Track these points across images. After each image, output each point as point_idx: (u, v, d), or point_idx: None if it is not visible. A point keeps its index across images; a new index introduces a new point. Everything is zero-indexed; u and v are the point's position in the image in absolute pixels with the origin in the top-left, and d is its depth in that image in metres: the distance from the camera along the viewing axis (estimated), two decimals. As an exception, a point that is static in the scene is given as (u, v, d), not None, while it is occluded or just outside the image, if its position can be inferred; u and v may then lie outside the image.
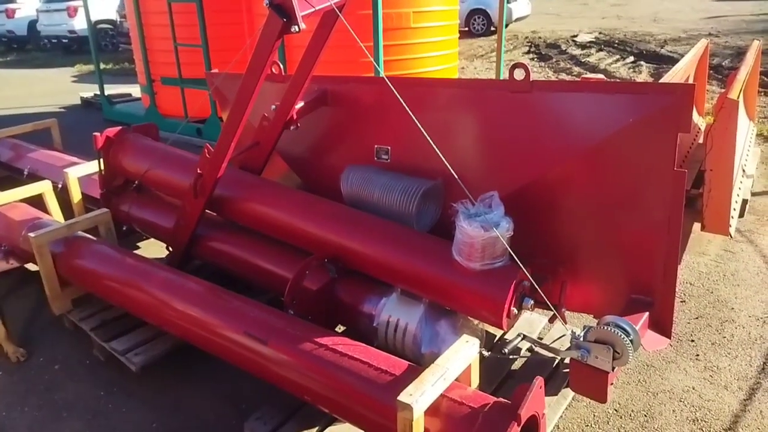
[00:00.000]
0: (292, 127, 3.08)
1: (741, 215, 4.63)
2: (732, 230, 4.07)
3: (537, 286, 2.32)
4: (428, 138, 2.38)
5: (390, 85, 2.46)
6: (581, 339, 2.22)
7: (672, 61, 11.81)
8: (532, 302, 2.46)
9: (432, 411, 1.91)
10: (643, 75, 10.86)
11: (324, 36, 2.77)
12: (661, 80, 5.00)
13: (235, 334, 2.44)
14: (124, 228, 3.85)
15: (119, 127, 3.72)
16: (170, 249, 3.45)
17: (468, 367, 2.09)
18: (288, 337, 2.33)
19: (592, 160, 2.48)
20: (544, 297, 2.34)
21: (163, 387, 2.95)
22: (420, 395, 1.83)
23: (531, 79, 2.53)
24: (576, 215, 2.61)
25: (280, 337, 2.34)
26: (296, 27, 2.30)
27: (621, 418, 2.69)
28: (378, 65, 5.42)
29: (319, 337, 2.29)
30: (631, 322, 2.27)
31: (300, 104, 3.05)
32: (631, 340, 2.14)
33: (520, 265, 2.31)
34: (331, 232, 2.81)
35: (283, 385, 2.36)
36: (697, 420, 2.65)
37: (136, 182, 3.65)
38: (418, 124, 2.39)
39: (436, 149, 2.37)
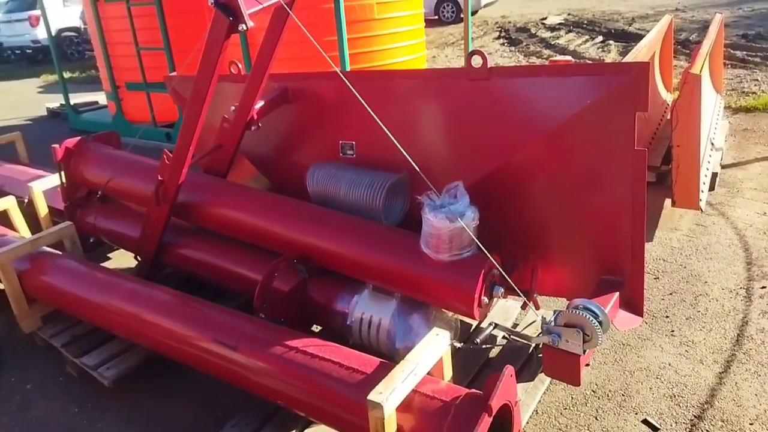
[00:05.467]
0: (253, 128, 3.03)
1: (711, 188, 4.69)
2: (702, 204, 4.12)
3: (505, 274, 2.31)
4: (387, 132, 2.35)
5: (344, 79, 2.42)
6: (551, 324, 2.21)
7: (640, 38, 11.83)
8: (502, 290, 2.45)
9: (404, 407, 1.90)
10: (612, 54, 10.92)
11: (276, 33, 2.71)
12: (625, 58, 5.03)
13: (204, 342, 2.40)
14: (92, 240, 3.78)
15: (78, 138, 3.63)
16: (138, 259, 3.39)
17: (440, 360, 2.08)
18: (258, 341, 2.30)
19: (554, 143, 2.47)
20: (513, 284, 2.34)
21: (138, 399, 2.90)
22: (390, 393, 1.81)
23: (489, 66, 2.51)
24: (542, 200, 2.61)
25: (249, 342, 2.30)
26: (243, 26, 2.25)
27: (599, 398, 2.71)
28: (344, 59, 5.37)
29: (290, 340, 2.26)
30: (601, 303, 2.27)
31: (260, 103, 3.00)
32: (600, 322, 2.14)
33: (487, 254, 2.30)
34: (298, 232, 2.77)
35: (256, 391, 2.33)
36: (674, 396, 2.67)
37: (100, 193, 3.57)
38: (377, 119, 2.36)
39: (396, 143, 2.34)
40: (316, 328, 2.98)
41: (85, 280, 2.99)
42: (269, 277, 2.64)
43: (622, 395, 2.72)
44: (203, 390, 2.88)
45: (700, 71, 3.86)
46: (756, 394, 2.64)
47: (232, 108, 3.04)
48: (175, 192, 2.92)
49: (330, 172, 2.93)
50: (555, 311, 2.25)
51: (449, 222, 2.32)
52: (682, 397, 2.67)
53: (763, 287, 3.44)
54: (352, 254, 2.62)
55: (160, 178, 2.91)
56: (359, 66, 5.86)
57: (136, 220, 3.41)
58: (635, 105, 2.25)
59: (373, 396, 1.80)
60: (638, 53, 4.88)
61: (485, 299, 2.41)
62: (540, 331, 2.25)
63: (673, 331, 3.14)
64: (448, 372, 2.14)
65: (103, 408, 2.87)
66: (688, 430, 2.49)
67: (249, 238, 2.96)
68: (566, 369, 2.25)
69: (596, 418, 2.60)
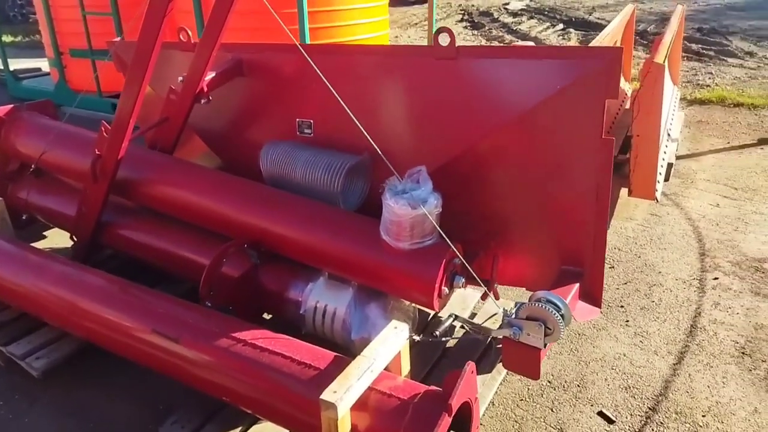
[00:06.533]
0: (202, 101, 2.82)
1: (666, 179, 4.73)
2: (658, 194, 4.14)
3: (467, 264, 2.21)
4: (349, 111, 2.21)
5: (303, 52, 2.26)
6: (513, 317, 2.14)
7: (600, 27, 12.00)
8: (463, 280, 2.36)
9: (359, 405, 1.78)
10: (572, 42, 11.00)
11: (229, -1, 2.50)
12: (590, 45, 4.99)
13: (142, 333, 2.21)
14: (24, 217, 3.50)
15: (10, 106, 3.33)
16: (75, 239, 3.14)
17: (397, 355, 1.97)
18: (202, 333, 2.14)
19: (521, 129, 2.37)
20: (475, 275, 2.25)
21: (71, 391, 2.68)
22: (345, 392, 1.69)
23: (456, 45, 2.38)
24: (505, 187, 2.52)
25: (192, 334, 2.14)
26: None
27: (555, 389, 2.67)
28: (303, 33, 5.15)
29: (237, 332, 2.11)
30: (561, 294, 2.21)
31: (210, 75, 2.78)
32: (561, 315, 2.07)
33: (450, 243, 2.20)
34: (250, 215, 2.60)
35: (200, 386, 2.17)
36: (629, 387, 2.66)
37: (33, 166, 3.28)
38: (338, 97, 2.21)
39: (358, 123, 2.20)
40: (266, 317, 2.84)
41: (12, 261, 2.73)
42: (217, 262, 2.47)
43: (578, 386, 2.69)
44: (143, 382, 2.68)
45: (664, 61, 3.84)
46: (708, 386, 2.66)
47: (180, 79, 2.82)
48: (114, 168, 2.70)
49: (285, 151, 2.76)
50: (516, 303, 2.17)
51: (411, 208, 2.21)
52: (636, 388, 2.66)
53: (716, 278, 3.48)
54: (307, 240, 2.47)
55: (97, 152, 2.68)
56: (320, 41, 5.64)
57: (72, 197, 3.16)
58: (606, 91, 2.17)
59: (326, 395, 1.67)
60: (602, 41, 4.85)
61: (446, 290, 2.32)
62: (501, 323, 2.17)
63: (627, 321, 3.14)
64: (406, 367, 2.04)
65: (33, 400, 2.65)
66: (642, 422, 2.48)
67: (196, 220, 2.77)
68: (526, 362, 2.18)
69: (552, 410, 2.56)
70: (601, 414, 2.52)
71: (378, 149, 2.23)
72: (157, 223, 2.96)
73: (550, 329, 2.07)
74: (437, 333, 2.34)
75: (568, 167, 2.37)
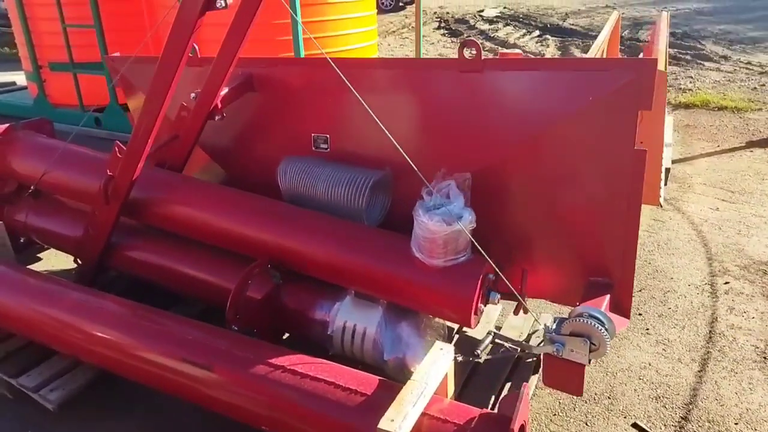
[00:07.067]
0: (216, 117, 2.73)
1: (664, 183, 4.80)
2: (661, 200, 4.20)
3: (507, 281, 2.17)
4: (381, 125, 2.16)
5: (334, 66, 2.20)
6: (554, 333, 2.10)
7: (575, 34, 12.23)
8: (498, 296, 2.32)
9: (413, 432, 1.72)
10: (551, 48, 11.13)
11: (252, 10, 2.40)
12: (588, 54, 5.04)
13: (170, 361, 2.11)
14: (22, 240, 3.35)
15: (6, 125, 3.18)
16: (79, 261, 3.01)
17: (445, 377, 1.92)
18: (236, 359, 2.05)
19: (549, 141, 2.35)
20: (512, 288, 2.20)
21: (88, 422, 2.55)
22: (402, 420, 1.63)
23: (482, 57, 2.35)
24: (534, 199, 2.49)
25: (226, 361, 2.05)
26: (222, 2, 1.97)
27: (586, 403, 2.64)
28: (298, 43, 5.08)
29: (274, 357, 2.02)
30: (596, 307, 2.18)
31: (224, 90, 2.70)
32: (606, 330, 2.05)
33: (488, 258, 2.15)
34: (273, 233, 2.52)
35: (235, 415, 2.07)
36: (660, 397, 2.65)
37: (32, 187, 3.14)
38: (369, 110, 2.16)
39: (391, 138, 2.15)
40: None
41: (19, 287, 2.58)
42: (243, 284, 2.38)
43: (609, 398, 2.67)
44: (165, 409, 2.57)
45: (666, 68, 3.88)
46: (736, 393, 2.66)
47: (192, 95, 2.73)
48: (128, 189, 2.59)
49: (305, 167, 2.68)
50: (555, 318, 2.14)
51: (446, 225, 2.16)
52: (666, 398, 2.65)
53: (726, 283, 3.51)
54: (336, 258, 2.40)
55: (109, 173, 2.57)
56: (310, 53, 5.58)
57: (75, 219, 3.04)
58: (639, 103, 2.16)
59: (384, 425, 1.61)
60: (596, 51, 4.90)
61: (482, 306, 2.27)
62: (542, 340, 2.14)
63: (647, 329, 3.14)
64: (451, 388, 1.98)
65: (46, 435, 2.52)
66: (678, 433, 2.47)
67: (216, 240, 2.66)
68: (569, 379, 2.14)
69: (586, 424, 2.53)
70: (635, 426, 2.50)
71: (412, 163, 2.17)
72: (170, 243, 2.85)
73: (596, 345, 2.04)
74: (478, 352, 2.29)
75: (598, 180, 2.35)
